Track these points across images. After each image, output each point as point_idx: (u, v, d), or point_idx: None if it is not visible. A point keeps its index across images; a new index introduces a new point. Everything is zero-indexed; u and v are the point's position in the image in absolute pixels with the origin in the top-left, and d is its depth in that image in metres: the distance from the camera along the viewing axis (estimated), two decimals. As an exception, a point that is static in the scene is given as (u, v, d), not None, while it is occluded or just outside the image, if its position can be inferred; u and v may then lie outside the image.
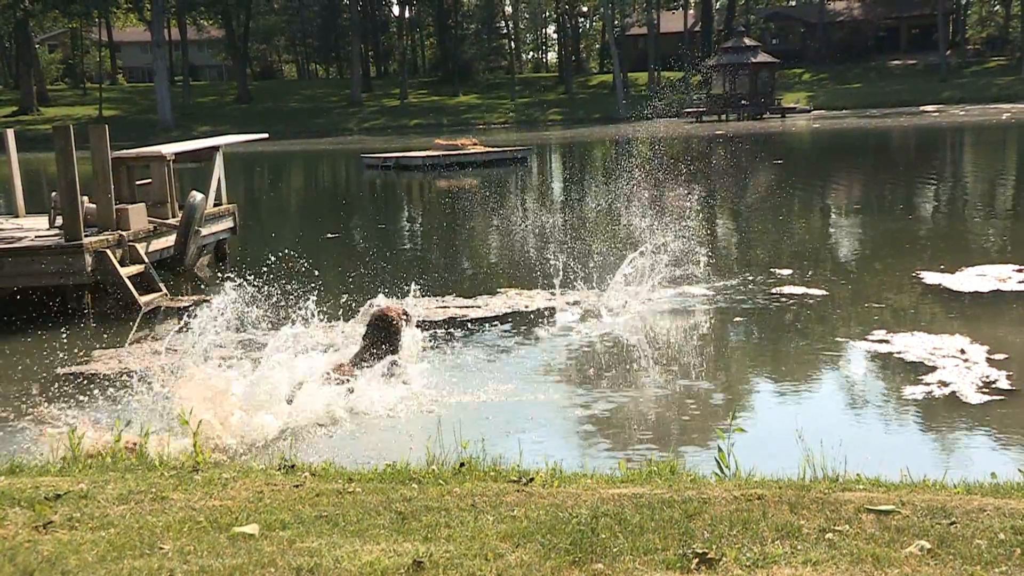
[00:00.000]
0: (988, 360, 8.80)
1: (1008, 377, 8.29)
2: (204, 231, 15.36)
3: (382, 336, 8.45)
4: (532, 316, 11.51)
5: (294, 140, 61.16)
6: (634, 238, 13.02)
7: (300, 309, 9.41)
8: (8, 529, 4.36)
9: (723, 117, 66.34)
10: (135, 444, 6.11)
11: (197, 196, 14.75)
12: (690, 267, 14.24)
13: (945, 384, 8.18)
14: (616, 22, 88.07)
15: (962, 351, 9.10)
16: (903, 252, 15.09)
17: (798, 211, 22.50)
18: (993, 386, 8.09)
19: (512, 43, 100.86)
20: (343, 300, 12.26)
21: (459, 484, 4.97)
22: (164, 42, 74.91)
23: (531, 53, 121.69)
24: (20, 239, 13.21)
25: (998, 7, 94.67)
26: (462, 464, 5.43)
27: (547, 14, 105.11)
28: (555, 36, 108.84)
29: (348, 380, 7.97)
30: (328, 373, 8.02)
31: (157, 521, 4.43)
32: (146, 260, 13.60)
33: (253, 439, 7.19)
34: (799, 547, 3.93)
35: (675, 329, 10.49)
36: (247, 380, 7.78)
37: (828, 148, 42.61)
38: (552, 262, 13.07)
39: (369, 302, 9.10)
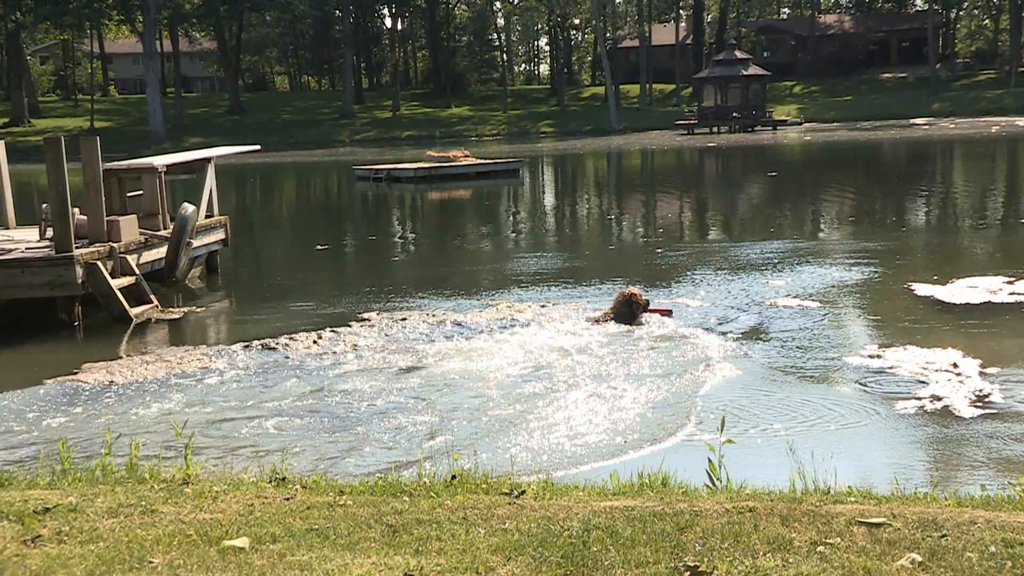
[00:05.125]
0: (980, 373, 8.79)
1: (1000, 390, 8.29)
2: (196, 243, 15.31)
3: (625, 309, 11.30)
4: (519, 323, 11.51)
5: (286, 152, 61.09)
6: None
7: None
8: (-4, 543, 4.33)
9: (714, 130, 66.49)
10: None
11: (189, 208, 14.72)
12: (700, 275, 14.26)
13: (937, 398, 8.15)
14: (608, 35, 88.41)
15: (955, 364, 9.09)
16: (895, 264, 15.10)
17: (790, 224, 22.54)
18: (985, 399, 8.09)
19: (504, 55, 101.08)
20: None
21: (450, 497, 4.96)
22: (156, 54, 74.81)
23: (523, 65, 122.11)
24: (10, 251, 13.15)
25: (987, 21, 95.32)
26: (453, 476, 5.41)
27: (539, 27, 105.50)
28: (547, 48, 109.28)
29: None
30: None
31: (147, 535, 4.40)
32: (137, 272, 13.54)
33: None
34: (791, 560, 3.92)
35: (665, 342, 10.48)
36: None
37: (821, 161, 42.70)
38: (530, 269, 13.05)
39: (620, 291, 11.81)
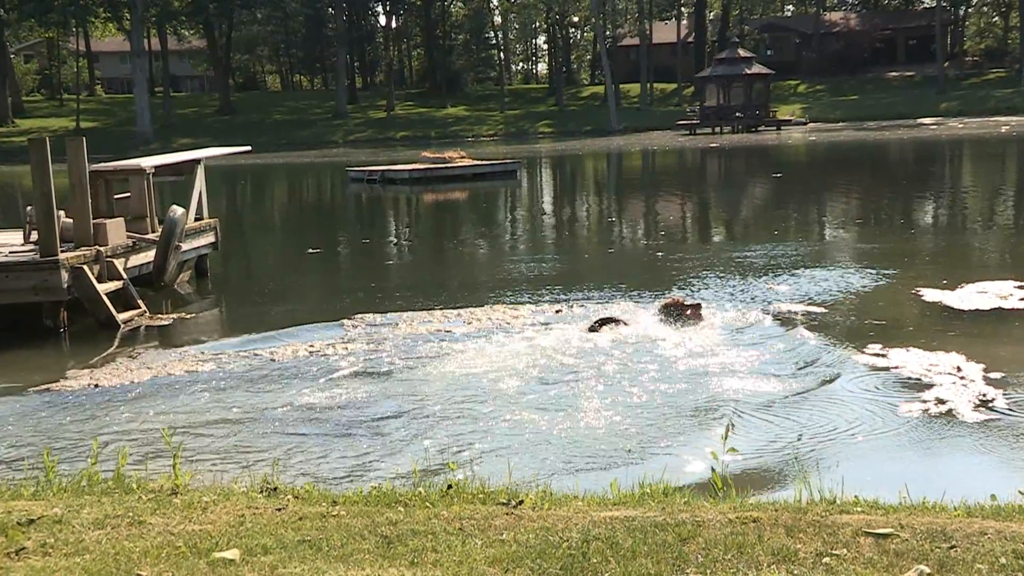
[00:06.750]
0: (990, 381, 8.59)
1: (1010, 398, 8.11)
2: (185, 246, 15.16)
3: (673, 313, 11.48)
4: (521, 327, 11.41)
5: (278, 153, 60.97)
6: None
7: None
8: (-22, 557, 4.24)
9: (717, 130, 66.29)
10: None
11: (177, 210, 14.58)
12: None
13: (946, 406, 8.01)
14: (608, 33, 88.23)
15: (962, 370, 8.94)
16: (902, 268, 14.90)
17: (794, 226, 22.50)
18: (995, 407, 7.93)
19: (501, 54, 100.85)
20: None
21: (446, 507, 4.89)
22: (144, 52, 74.58)
23: (521, 64, 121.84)
24: (-5, 254, 13.01)
25: (997, 18, 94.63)
26: (450, 486, 5.34)
27: (537, 24, 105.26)
28: (545, 47, 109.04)
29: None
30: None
31: (134, 546, 4.34)
32: (124, 276, 13.39)
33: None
34: (795, 571, 3.88)
35: (667, 348, 10.36)
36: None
37: (826, 161, 42.70)
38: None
39: (666, 293, 12.54)
